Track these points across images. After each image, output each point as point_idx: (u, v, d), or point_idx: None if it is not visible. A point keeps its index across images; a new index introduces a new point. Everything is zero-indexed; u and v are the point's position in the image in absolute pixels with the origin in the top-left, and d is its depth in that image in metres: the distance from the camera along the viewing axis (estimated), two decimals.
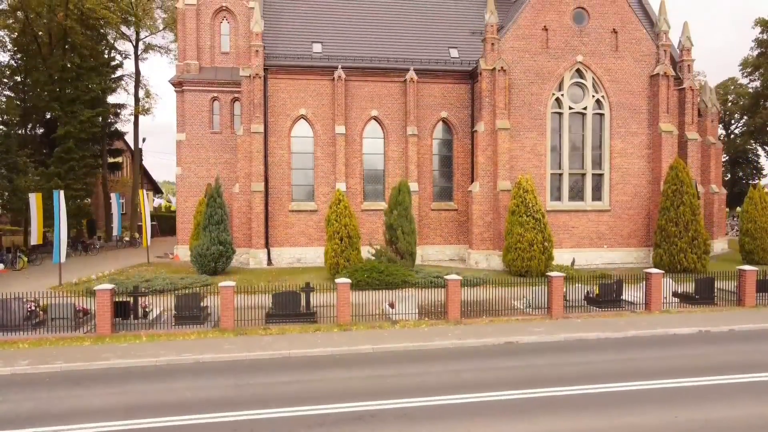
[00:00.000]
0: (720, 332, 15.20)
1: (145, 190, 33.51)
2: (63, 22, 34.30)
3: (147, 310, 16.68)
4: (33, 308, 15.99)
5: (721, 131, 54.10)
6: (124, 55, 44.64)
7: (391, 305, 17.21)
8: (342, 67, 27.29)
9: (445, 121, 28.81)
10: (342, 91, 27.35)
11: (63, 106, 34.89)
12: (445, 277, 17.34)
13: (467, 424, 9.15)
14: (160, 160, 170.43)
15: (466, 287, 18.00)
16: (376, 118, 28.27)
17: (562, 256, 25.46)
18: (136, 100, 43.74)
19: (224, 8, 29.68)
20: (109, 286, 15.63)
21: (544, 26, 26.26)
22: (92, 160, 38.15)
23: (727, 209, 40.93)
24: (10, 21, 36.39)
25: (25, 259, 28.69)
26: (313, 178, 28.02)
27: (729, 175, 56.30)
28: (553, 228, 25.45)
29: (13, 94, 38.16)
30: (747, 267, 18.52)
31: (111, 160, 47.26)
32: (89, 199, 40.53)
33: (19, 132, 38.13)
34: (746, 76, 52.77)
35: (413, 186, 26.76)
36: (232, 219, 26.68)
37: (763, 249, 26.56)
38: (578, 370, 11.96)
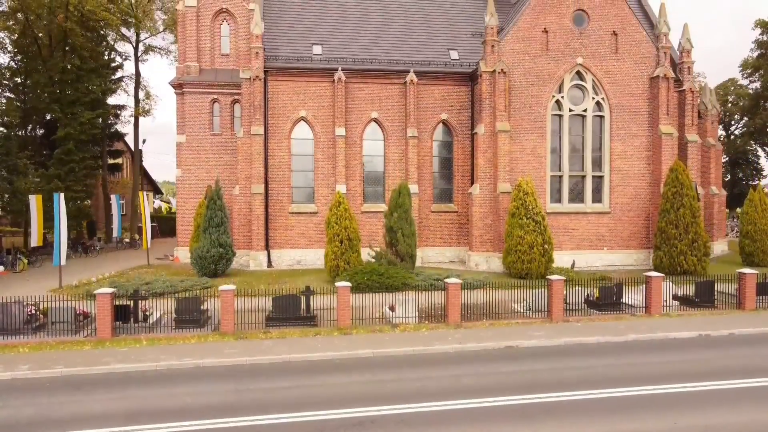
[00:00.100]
0: (720, 336, 15.20)
1: (145, 192, 33.53)
2: (63, 24, 34.29)
3: (147, 313, 16.69)
4: (33, 312, 15.99)
5: (721, 132, 54.13)
6: (124, 57, 44.64)
7: (392, 308, 17.20)
8: (342, 69, 27.30)
9: (445, 123, 28.82)
10: (342, 93, 27.36)
11: (63, 108, 34.89)
12: (446, 280, 17.34)
13: (467, 430, 9.16)
14: (161, 161, 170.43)
15: (466, 290, 18.00)
16: (376, 120, 28.28)
17: (562, 258, 25.48)
18: (136, 101, 43.75)
19: (224, 10, 29.68)
20: (110, 290, 15.62)
21: (544, 28, 26.27)
22: (92, 161, 38.12)
23: (727, 210, 40.95)
24: (11, 23, 36.37)
25: (25, 261, 28.70)
26: (313, 180, 28.04)
27: (729, 176, 56.30)
28: (553, 230, 25.47)
29: (13, 96, 38.13)
30: (747, 270, 18.53)
31: (111, 161, 47.24)
32: (89, 201, 40.53)
33: (20, 134, 38.10)
34: (746, 78, 52.77)
35: (413, 188, 26.77)
36: (232, 221, 26.69)
37: (763, 251, 26.59)
38: (578, 375, 11.97)
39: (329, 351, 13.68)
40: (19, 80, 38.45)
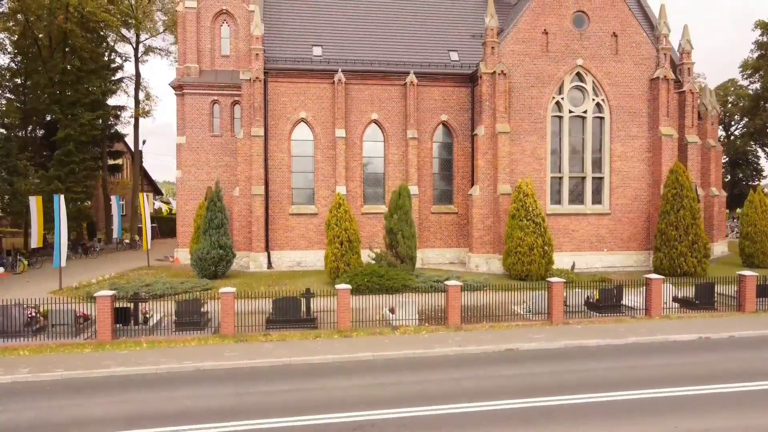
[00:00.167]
0: (720, 339, 15.20)
1: (145, 193, 33.53)
2: (63, 25, 34.30)
3: (147, 316, 16.68)
4: (33, 314, 16.00)
5: (721, 132, 54.14)
6: (124, 58, 44.66)
7: (392, 310, 17.21)
8: (342, 71, 27.30)
9: (445, 124, 28.82)
10: (342, 94, 27.37)
11: (63, 109, 34.89)
12: (446, 282, 17.34)
13: None
14: (160, 161, 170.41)
15: (466, 291, 18.00)
16: (376, 122, 28.28)
17: (562, 260, 25.49)
18: (137, 102, 43.76)
19: (224, 11, 29.69)
20: (110, 292, 15.63)
21: (544, 30, 26.27)
22: (92, 162, 38.14)
23: (727, 210, 40.98)
24: (11, 24, 36.40)
25: (26, 262, 28.70)
26: (314, 182, 28.05)
27: (729, 177, 56.32)
28: (554, 231, 25.48)
29: (13, 97, 38.18)
30: (747, 272, 18.52)
31: (111, 162, 47.25)
32: (89, 202, 40.54)
33: (20, 135, 38.15)
34: (746, 78, 52.78)
35: (413, 189, 26.79)
36: (232, 222, 26.69)
37: (763, 252, 26.62)
38: (578, 378, 11.98)
39: (329, 354, 13.68)
40: (19, 81, 38.50)
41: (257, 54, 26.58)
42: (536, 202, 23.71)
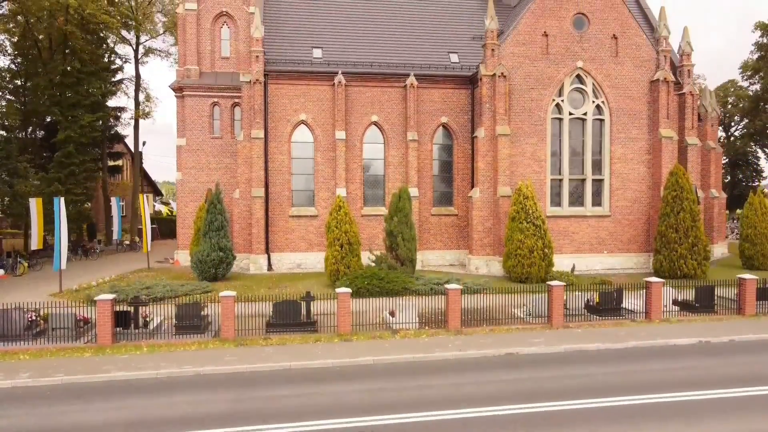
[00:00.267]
0: (720, 343, 15.20)
1: (145, 194, 33.53)
2: (63, 27, 34.31)
3: (147, 319, 16.68)
4: (34, 318, 15.99)
5: (720, 133, 54.13)
6: (124, 59, 44.71)
7: (392, 314, 17.21)
8: (342, 73, 27.31)
9: (445, 126, 28.82)
10: (342, 96, 27.37)
11: (63, 111, 34.89)
12: (446, 286, 17.34)
13: None
14: (160, 162, 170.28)
15: (466, 294, 17.99)
16: (376, 124, 28.28)
17: (562, 262, 25.47)
18: (137, 103, 43.77)
19: (225, 13, 29.71)
20: (110, 296, 15.63)
21: (545, 32, 26.26)
22: (92, 164, 38.15)
23: (727, 211, 40.97)
24: (11, 25, 36.39)
25: (26, 264, 28.66)
26: (314, 184, 28.05)
27: (729, 178, 56.33)
28: (554, 233, 25.48)
29: (13, 99, 38.17)
30: (747, 275, 18.51)
31: (111, 163, 47.26)
32: (89, 203, 40.53)
33: (20, 136, 38.14)
34: (746, 79, 52.79)
35: (413, 191, 26.80)
36: (232, 224, 26.69)
37: (763, 255, 26.63)
38: (578, 383, 11.98)
39: (330, 358, 13.68)
40: (19, 83, 38.49)
41: (257, 56, 26.58)
42: (536, 205, 23.71)
